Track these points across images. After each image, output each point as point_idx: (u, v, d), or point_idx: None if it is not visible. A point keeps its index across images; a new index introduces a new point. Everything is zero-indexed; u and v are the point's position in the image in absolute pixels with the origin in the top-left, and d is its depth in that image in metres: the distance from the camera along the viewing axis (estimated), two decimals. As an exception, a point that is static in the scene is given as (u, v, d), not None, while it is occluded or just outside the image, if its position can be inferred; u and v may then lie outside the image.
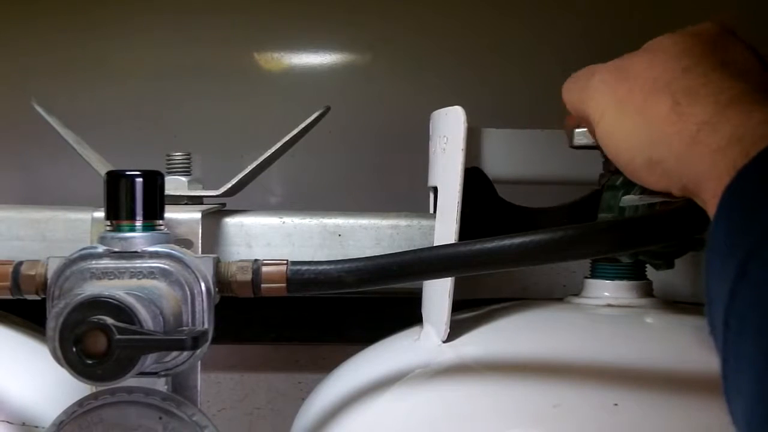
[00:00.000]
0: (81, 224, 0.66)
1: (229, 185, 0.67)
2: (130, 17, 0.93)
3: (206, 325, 0.52)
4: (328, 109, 0.71)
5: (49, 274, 0.53)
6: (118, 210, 0.53)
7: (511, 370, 0.55)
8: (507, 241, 0.49)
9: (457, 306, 0.60)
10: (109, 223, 0.54)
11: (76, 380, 0.47)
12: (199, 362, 0.55)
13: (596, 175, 0.63)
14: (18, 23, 0.93)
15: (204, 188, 0.68)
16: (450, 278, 0.57)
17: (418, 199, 0.71)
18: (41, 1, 0.93)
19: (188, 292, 0.52)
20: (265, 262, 0.54)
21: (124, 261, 0.52)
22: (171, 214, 0.59)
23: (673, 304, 0.63)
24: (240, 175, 0.67)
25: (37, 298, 0.54)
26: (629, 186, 0.57)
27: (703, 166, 0.43)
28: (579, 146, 0.58)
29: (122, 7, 0.93)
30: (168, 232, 0.55)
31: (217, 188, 0.67)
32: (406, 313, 0.66)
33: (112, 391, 0.53)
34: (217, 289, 0.53)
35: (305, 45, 0.95)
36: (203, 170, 0.73)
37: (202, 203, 0.66)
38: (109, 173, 0.54)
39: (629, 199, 0.56)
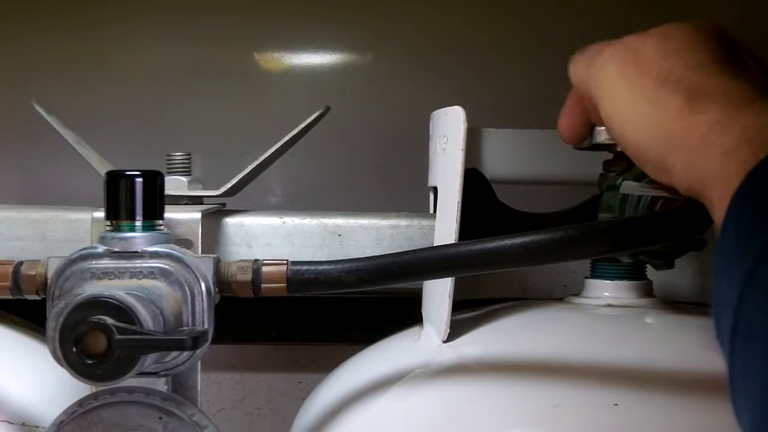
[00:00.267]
0: (81, 224, 0.66)
1: (229, 185, 0.67)
2: (130, 17, 0.93)
3: (206, 325, 0.52)
4: (328, 109, 0.71)
5: (50, 274, 0.53)
6: (118, 210, 0.53)
7: (512, 370, 0.55)
8: (507, 241, 0.49)
9: (457, 306, 0.60)
10: (109, 223, 0.53)
11: (76, 380, 0.47)
12: (199, 362, 0.55)
13: (596, 175, 0.63)
14: (18, 23, 0.93)
15: (204, 188, 0.68)
16: (450, 278, 0.57)
17: (418, 199, 0.71)
18: (41, 0, 0.93)
19: (188, 292, 0.52)
20: (265, 262, 0.54)
21: (124, 261, 0.52)
22: (171, 214, 0.59)
23: (674, 304, 0.63)
24: (240, 175, 0.67)
25: (38, 298, 0.54)
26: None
27: (712, 168, 0.43)
28: (599, 143, 0.58)
29: (122, 7, 0.93)
30: (168, 232, 0.55)
31: (217, 188, 0.67)
32: (406, 313, 0.66)
33: (112, 391, 0.53)
34: (217, 289, 0.53)
35: (305, 45, 0.95)
36: (203, 170, 0.73)
37: (202, 203, 0.66)
38: (109, 173, 0.54)
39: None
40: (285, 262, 0.53)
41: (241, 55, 0.95)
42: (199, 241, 0.60)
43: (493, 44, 0.94)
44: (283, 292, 0.53)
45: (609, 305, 0.62)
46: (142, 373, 0.49)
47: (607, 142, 0.57)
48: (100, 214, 0.55)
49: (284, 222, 0.68)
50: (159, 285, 0.52)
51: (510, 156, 0.70)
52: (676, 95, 0.46)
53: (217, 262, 0.54)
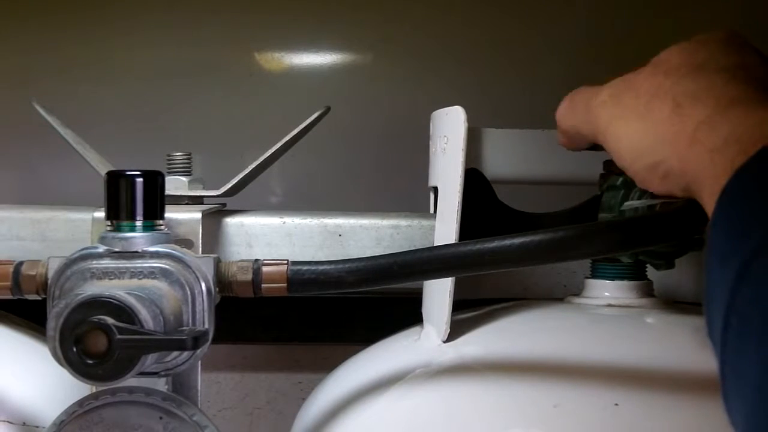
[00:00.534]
0: (81, 224, 0.66)
1: (229, 185, 0.67)
2: (130, 17, 0.93)
3: (207, 325, 0.52)
4: (328, 109, 0.71)
5: (50, 274, 0.53)
6: (118, 210, 0.53)
7: (512, 369, 0.55)
8: (508, 241, 0.49)
9: (458, 306, 0.60)
10: (109, 223, 0.54)
11: (76, 380, 0.47)
12: (200, 362, 0.55)
13: (596, 175, 0.63)
14: (18, 23, 0.93)
15: (204, 188, 0.68)
16: (450, 278, 0.57)
17: (418, 199, 0.71)
18: (41, 0, 0.93)
19: (189, 292, 0.52)
20: (265, 262, 0.54)
21: (124, 261, 0.52)
22: (171, 214, 0.59)
23: (674, 304, 0.63)
24: (240, 175, 0.67)
25: (38, 298, 0.54)
26: (630, 186, 0.58)
27: (701, 166, 0.43)
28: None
29: (122, 7, 0.93)
30: (168, 232, 0.55)
31: (217, 188, 0.67)
32: (407, 313, 0.66)
33: (113, 391, 0.53)
34: (217, 289, 0.53)
35: (305, 45, 0.95)
36: (203, 170, 0.73)
37: (202, 203, 0.66)
38: (110, 173, 0.54)
39: (631, 204, 0.56)
40: (285, 262, 0.53)
41: (241, 55, 0.95)
42: (200, 241, 0.60)
43: (494, 45, 0.94)
44: (284, 292, 0.53)
45: (609, 305, 0.62)
46: (143, 373, 0.49)
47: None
48: (101, 214, 0.55)
49: (284, 222, 0.68)
50: (159, 285, 0.52)
51: (510, 156, 0.70)
52: (667, 102, 0.47)
53: (218, 262, 0.54)
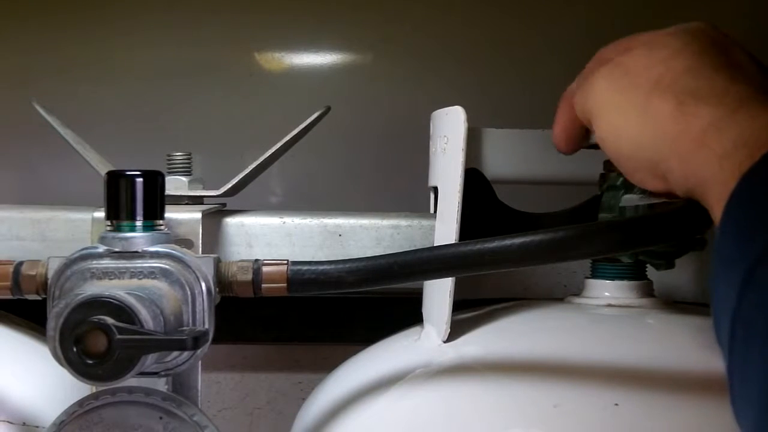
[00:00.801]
0: (81, 224, 0.66)
1: (229, 185, 0.67)
2: (130, 17, 0.93)
3: (207, 325, 0.52)
4: (328, 109, 0.71)
5: (50, 274, 0.53)
6: (118, 210, 0.53)
7: (512, 370, 0.55)
8: (508, 241, 0.49)
9: (458, 306, 0.60)
10: (109, 223, 0.53)
11: (76, 380, 0.47)
12: (200, 362, 0.55)
13: (596, 175, 0.63)
14: (18, 23, 0.93)
15: (204, 188, 0.68)
16: (451, 278, 0.57)
17: (418, 199, 0.71)
18: (42, 0, 0.93)
19: (189, 292, 0.52)
20: (265, 262, 0.54)
21: (124, 261, 0.52)
22: (171, 214, 0.59)
23: (674, 304, 0.63)
24: (240, 175, 0.67)
25: (38, 298, 0.54)
26: (630, 186, 0.57)
27: (709, 170, 0.43)
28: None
29: (122, 7, 0.93)
30: (168, 232, 0.55)
31: (217, 188, 0.67)
32: (407, 313, 0.66)
33: (113, 391, 0.53)
34: (217, 289, 0.53)
35: (305, 45, 0.95)
36: (203, 170, 0.73)
37: (202, 203, 0.66)
38: (110, 173, 0.54)
39: (629, 199, 0.56)
40: (285, 262, 0.53)
41: (241, 55, 0.95)
42: (200, 241, 0.60)
43: (494, 44, 0.94)
44: (284, 292, 0.53)
45: (609, 305, 0.62)
46: (143, 373, 0.49)
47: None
48: (101, 214, 0.55)
49: (284, 222, 0.68)
50: (159, 285, 0.52)
51: (510, 156, 0.70)
52: (667, 101, 0.46)
53: (218, 262, 0.54)
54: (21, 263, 0.54)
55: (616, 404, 0.50)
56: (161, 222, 0.55)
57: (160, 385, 0.54)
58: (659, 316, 0.61)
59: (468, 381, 0.55)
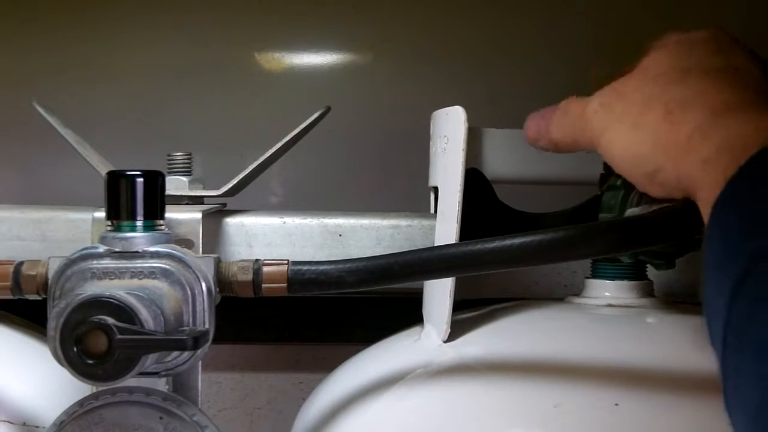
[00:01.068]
0: (82, 224, 0.66)
1: (229, 185, 0.67)
2: (130, 17, 0.93)
3: (207, 325, 0.52)
4: (328, 109, 0.71)
5: (50, 274, 0.53)
6: (118, 210, 0.53)
7: (512, 370, 0.55)
8: (508, 241, 0.49)
9: (458, 306, 0.60)
10: (109, 223, 0.54)
11: (76, 380, 0.47)
12: (200, 362, 0.55)
13: (596, 175, 0.63)
14: (18, 23, 0.93)
15: (205, 188, 0.68)
16: (451, 278, 0.57)
17: (418, 199, 0.71)
18: (42, 0, 0.93)
19: (189, 292, 0.52)
20: (265, 262, 0.54)
21: (124, 261, 0.52)
22: (172, 214, 0.59)
23: (674, 304, 0.64)
24: (241, 175, 0.67)
25: (38, 298, 0.54)
26: (630, 186, 0.57)
27: (697, 175, 0.43)
28: None
29: (122, 7, 0.93)
30: (169, 232, 0.55)
31: (217, 188, 0.67)
32: (407, 313, 0.66)
33: (113, 391, 0.53)
34: (218, 289, 0.54)
35: (305, 45, 0.95)
36: (203, 170, 0.73)
37: (202, 203, 0.66)
38: (110, 173, 0.54)
39: (632, 212, 0.56)
40: (286, 262, 0.53)
41: (241, 55, 0.95)
42: (200, 241, 0.60)
43: (494, 44, 0.94)
44: (284, 292, 0.53)
45: (609, 305, 0.62)
46: (143, 373, 0.49)
47: None
48: (101, 214, 0.55)
49: (285, 222, 0.68)
50: (160, 285, 0.52)
51: (510, 156, 0.70)
52: (657, 109, 0.47)
53: (218, 262, 0.54)
54: (21, 263, 0.54)
55: (617, 404, 0.50)
56: (161, 222, 0.55)
57: (161, 385, 0.54)
58: (659, 316, 0.61)
59: (468, 381, 0.55)
